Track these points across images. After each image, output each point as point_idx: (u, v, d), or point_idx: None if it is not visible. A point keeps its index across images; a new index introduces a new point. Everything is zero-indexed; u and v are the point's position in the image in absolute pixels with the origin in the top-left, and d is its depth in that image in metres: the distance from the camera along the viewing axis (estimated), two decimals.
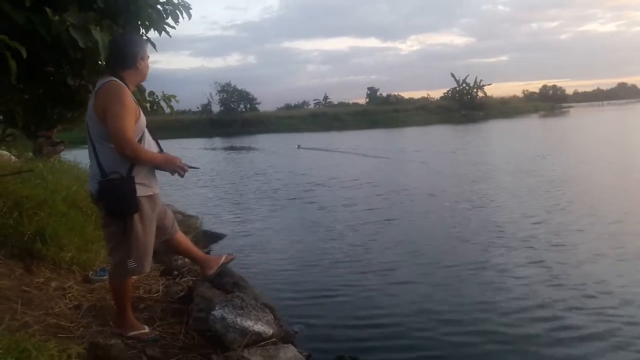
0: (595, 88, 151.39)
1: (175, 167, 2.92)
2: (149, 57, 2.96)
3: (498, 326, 3.81)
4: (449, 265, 5.23)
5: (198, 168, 3.66)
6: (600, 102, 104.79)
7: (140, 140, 2.78)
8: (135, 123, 2.70)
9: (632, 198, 8.24)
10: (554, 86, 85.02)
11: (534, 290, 4.43)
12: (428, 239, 6.34)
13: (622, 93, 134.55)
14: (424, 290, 4.60)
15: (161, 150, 3.01)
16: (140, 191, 2.77)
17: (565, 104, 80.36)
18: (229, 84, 58.25)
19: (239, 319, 3.06)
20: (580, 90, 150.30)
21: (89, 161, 2.84)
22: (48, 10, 3.10)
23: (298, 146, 26.02)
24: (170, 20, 4.11)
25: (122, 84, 2.72)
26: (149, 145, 2.87)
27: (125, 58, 2.80)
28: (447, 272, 5.04)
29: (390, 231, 6.87)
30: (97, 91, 2.72)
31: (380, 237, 6.56)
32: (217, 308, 3.16)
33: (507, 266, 5.14)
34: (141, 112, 2.81)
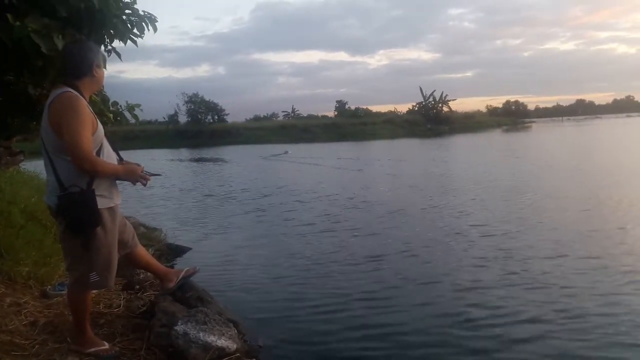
0: (556, 104, 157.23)
1: (137, 177, 2.88)
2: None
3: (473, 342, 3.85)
4: (423, 281, 5.22)
5: (160, 175, 3.60)
6: (561, 118, 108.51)
7: (99, 151, 2.71)
8: (92, 135, 2.63)
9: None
10: (517, 102, 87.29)
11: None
12: (401, 254, 6.30)
13: (580, 109, 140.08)
14: (393, 305, 4.58)
15: (121, 160, 2.96)
16: (102, 203, 2.70)
17: (527, 119, 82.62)
18: (196, 95, 57.73)
19: (201, 334, 3.02)
20: (542, 106, 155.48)
21: (46, 174, 2.76)
22: (9, 15, 3.03)
23: (286, 152, 29.09)
24: (136, 32, 4.06)
25: (77, 94, 2.64)
26: (109, 156, 2.81)
27: (80, 66, 2.71)
28: (421, 288, 5.01)
29: (361, 245, 6.82)
30: (51, 103, 2.62)
31: (348, 250, 6.54)
32: (179, 323, 3.11)
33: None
34: (98, 123, 2.73)
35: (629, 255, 5.77)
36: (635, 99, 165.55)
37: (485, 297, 4.66)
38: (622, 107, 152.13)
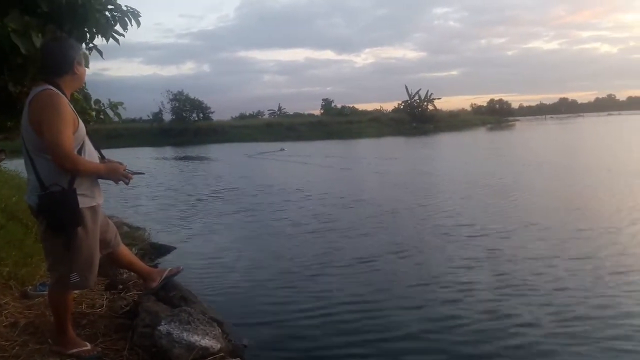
0: (539, 103, 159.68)
1: (119, 176, 2.85)
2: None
3: (445, 336, 3.88)
4: (408, 281, 5.17)
5: (143, 174, 3.55)
6: (544, 116, 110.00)
7: (80, 150, 2.67)
8: (73, 133, 2.59)
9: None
10: (501, 100, 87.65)
11: None
12: (390, 255, 6.20)
13: (563, 108, 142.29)
14: (380, 307, 4.56)
15: (103, 159, 2.93)
16: (83, 203, 2.67)
17: (511, 118, 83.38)
18: (181, 92, 57.31)
19: (185, 334, 3.00)
20: (526, 104, 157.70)
21: (27, 173, 2.71)
22: None
23: (282, 149, 29.83)
24: (118, 28, 4.02)
25: (58, 92, 2.60)
26: (90, 154, 2.77)
27: (61, 64, 2.67)
28: (410, 290, 4.93)
29: (349, 245, 6.78)
30: (31, 101, 2.58)
31: (336, 251, 6.50)
32: (163, 323, 3.09)
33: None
34: (80, 121, 2.69)
35: (621, 255, 5.73)
36: (617, 98, 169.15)
37: (476, 300, 4.59)
38: (604, 105, 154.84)
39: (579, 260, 5.64)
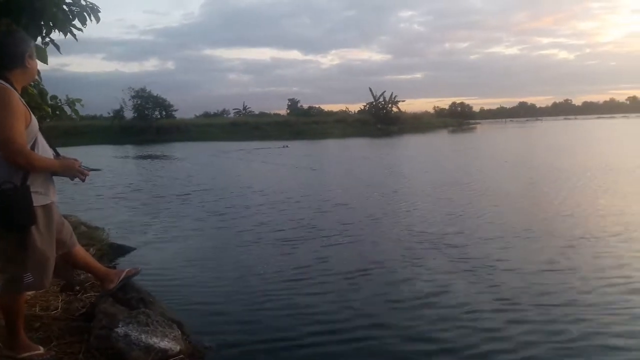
0: (499, 106, 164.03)
1: (75, 172, 2.78)
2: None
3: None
4: (384, 297, 4.75)
5: (100, 170, 3.45)
6: (504, 120, 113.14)
7: (33, 146, 2.60)
8: (25, 128, 2.52)
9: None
10: (462, 103, 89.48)
11: None
12: (358, 252, 6.13)
13: (522, 112, 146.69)
14: (341, 304, 4.53)
15: (58, 156, 2.84)
16: (37, 200, 2.59)
17: (472, 121, 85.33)
18: (143, 89, 56.13)
19: (143, 336, 2.94)
20: (486, 107, 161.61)
21: None
22: None
23: (284, 146, 31.19)
24: (77, 23, 3.92)
25: (8, 86, 2.52)
26: (44, 150, 2.69)
27: (12, 57, 2.59)
28: (379, 305, 4.53)
29: (312, 244, 6.74)
30: None
31: (298, 249, 6.46)
32: (120, 325, 3.02)
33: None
34: (32, 116, 2.62)
35: (615, 268, 5.34)
36: (573, 103, 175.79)
37: (464, 319, 4.15)
38: (561, 109, 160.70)
39: (572, 272, 5.25)
